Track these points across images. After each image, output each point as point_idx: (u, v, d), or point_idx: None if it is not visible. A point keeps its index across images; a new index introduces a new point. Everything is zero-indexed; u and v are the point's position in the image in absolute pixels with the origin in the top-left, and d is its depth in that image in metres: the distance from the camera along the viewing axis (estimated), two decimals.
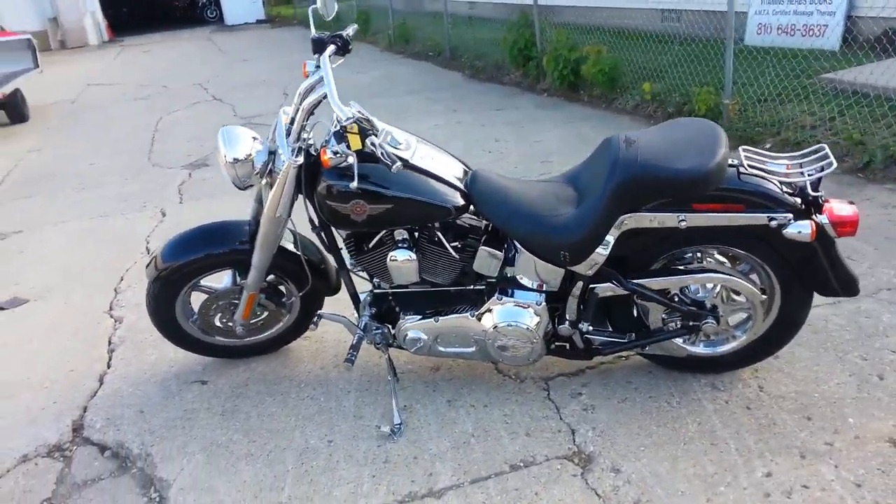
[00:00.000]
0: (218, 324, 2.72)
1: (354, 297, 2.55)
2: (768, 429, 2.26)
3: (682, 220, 2.12)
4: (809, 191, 2.12)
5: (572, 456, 2.23)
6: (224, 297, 2.66)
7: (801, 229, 2.07)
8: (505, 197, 2.29)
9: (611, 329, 2.47)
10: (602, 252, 2.20)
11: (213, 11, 21.76)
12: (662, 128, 2.27)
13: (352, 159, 2.11)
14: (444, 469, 2.21)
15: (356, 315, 2.54)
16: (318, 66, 2.37)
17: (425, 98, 7.86)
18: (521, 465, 2.21)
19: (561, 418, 2.40)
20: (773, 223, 2.09)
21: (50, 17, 18.12)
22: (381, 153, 2.07)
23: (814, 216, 2.11)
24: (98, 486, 2.31)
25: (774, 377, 2.50)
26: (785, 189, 2.14)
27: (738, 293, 2.32)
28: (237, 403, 2.63)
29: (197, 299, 2.71)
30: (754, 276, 2.36)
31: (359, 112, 2.17)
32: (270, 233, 2.42)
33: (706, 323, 2.33)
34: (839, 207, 2.14)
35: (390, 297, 2.50)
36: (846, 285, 2.27)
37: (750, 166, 2.13)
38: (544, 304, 2.33)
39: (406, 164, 2.24)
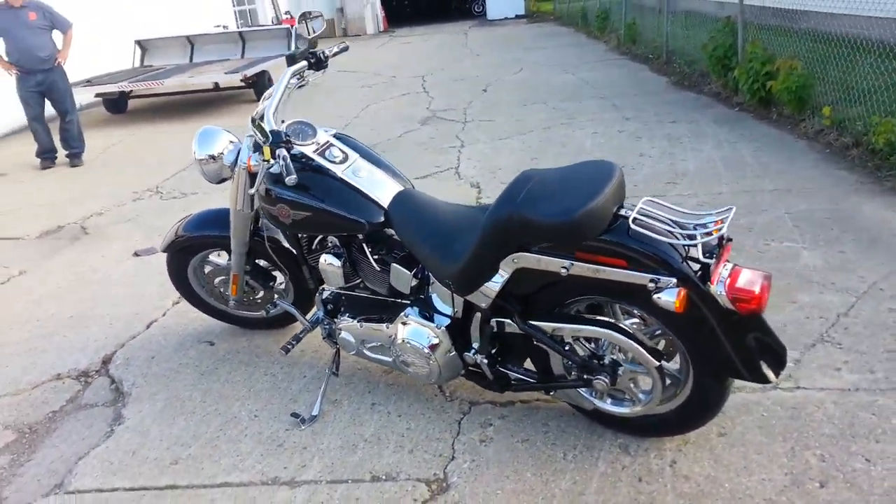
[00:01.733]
0: (221, 295, 3.12)
1: (313, 291, 2.77)
2: None
3: (565, 268, 2.01)
4: (700, 256, 1.89)
5: (431, 481, 2.24)
6: (220, 273, 3.04)
7: (668, 297, 1.85)
8: (418, 218, 2.34)
9: (529, 368, 2.40)
10: (492, 286, 2.16)
11: (479, 6, 22.91)
12: (570, 167, 2.15)
13: (264, 167, 2.32)
14: (316, 464, 2.36)
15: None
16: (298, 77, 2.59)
17: (608, 105, 7.65)
18: (382, 477, 2.28)
19: (453, 444, 2.40)
20: (652, 285, 1.89)
21: (338, 7, 20.53)
22: (283, 165, 2.26)
23: (708, 285, 1.88)
24: (92, 410, 2.84)
25: (697, 455, 2.23)
26: (682, 251, 1.92)
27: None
28: (218, 367, 3.02)
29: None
30: (661, 341, 2.14)
31: (295, 125, 2.39)
32: (237, 223, 2.73)
33: (598, 379, 2.17)
34: (746, 279, 1.87)
35: (341, 297, 2.68)
36: (756, 373, 1.97)
37: (641, 220, 1.94)
38: (444, 328, 2.34)
39: (333, 177, 2.40)
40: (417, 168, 5.73)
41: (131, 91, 9.46)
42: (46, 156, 7.15)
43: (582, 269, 1.99)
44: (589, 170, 2.07)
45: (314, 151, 2.47)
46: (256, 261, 2.98)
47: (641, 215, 1.95)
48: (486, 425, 2.48)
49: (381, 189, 2.44)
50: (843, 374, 2.55)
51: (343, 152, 2.51)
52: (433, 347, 2.35)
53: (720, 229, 1.88)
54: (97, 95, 9.65)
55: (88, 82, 9.31)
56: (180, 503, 2.25)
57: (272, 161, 2.31)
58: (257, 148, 2.47)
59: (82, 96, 9.43)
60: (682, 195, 4.55)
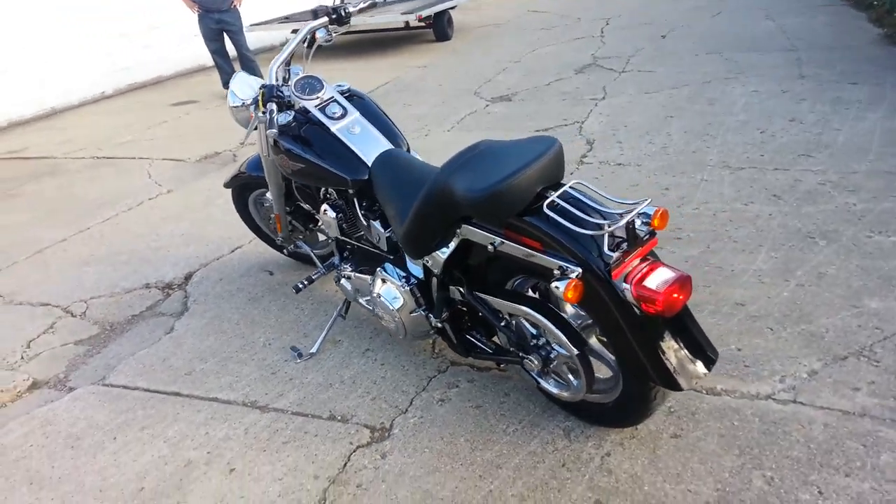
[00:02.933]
0: (274, 231, 3.42)
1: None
2: (552, 490, 2.02)
3: (493, 244, 2.00)
4: (605, 248, 1.78)
5: (376, 429, 2.37)
6: (270, 211, 3.34)
7: (561, 285, 1.77)
8: (392, 178, 2.41)
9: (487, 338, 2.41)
10: (441, 255, 2.20)
11: None
12: (519, 141, 2.08)
13: (259, 117, 2.49)
14: (292, 396, 2.60)
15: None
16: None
17: (792, 59, 6.81)
18: (338, 417, 2.46)
19: (412, 399, 2.50)
20: (559, 272, 1.83)
21: None
22: (270, 118, 2.42)
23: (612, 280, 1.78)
24: (160, 319, 3.32)
25: (636, 452, 2.12)
26: (598, 240, 1.81)
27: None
28: (265, 295, 3.35)
29: None
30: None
31: (284, 79, 2.55)
32: (267, 167, 2.97)
33: (528, 358, 2.13)
34: (656, 279, 1.74)
35: (346, 245, 2.84)
36: (665, 379, 1.83)
37: (557, 203, 1.85)
38: (409, 289, 2.41)
39: (327, 132, 2.53)
40: (544, 120, 5.62)
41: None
42: None
43: (509, 247, 1.96)
44: (528, 145, 2.00)
45: (315, 106, 2.60)
46: (300, 202, 3.22)
47: (561, 199, 1.86)
48: (451, 386, 2.53)
49: (371, 147, 2.52)
50: (858, 396, 2.24)
51: (343, 109, 2.61)
52: (399, 306, 2.43)
53: (630, 222, 1.75)
54: (293, 31, 10.46)
55: (286, 19, 10.13)
56: (176, 409, 2.61)
57: (262, 112, 2.47)
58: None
59: (277, 33, 10.29)
60: (807, 170, 4.04)
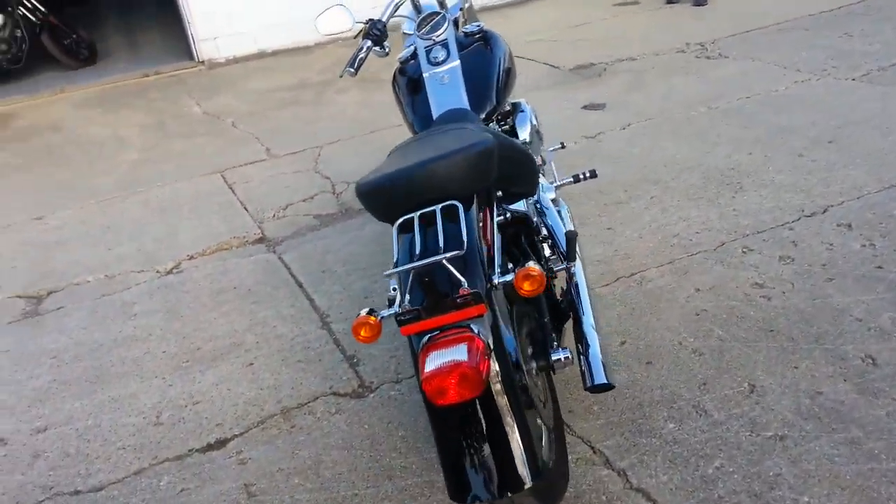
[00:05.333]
0: None
1: None
2: None
3: None
4: (403, 294, 1.53)
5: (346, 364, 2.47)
6: None
7: None
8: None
9: None
10: None
11: None
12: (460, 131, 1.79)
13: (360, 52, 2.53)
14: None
15: None
16: None
17: None
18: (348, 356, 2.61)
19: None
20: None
21: None
22: (355, 56, 2.46)
23: None
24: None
25: None
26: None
27: None
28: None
29: None
30: None
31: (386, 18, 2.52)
32: None
33: None
34: (437, 358, 1.40)
35: None
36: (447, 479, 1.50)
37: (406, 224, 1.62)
38: None
39: (419, 75, 2.44)
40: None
41: None
42: None
43: None
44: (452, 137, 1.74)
45: (424, 46, 2.53)
46: None
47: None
48: None
49: (446, 102, 2.36)
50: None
51: (447, 54, 2.47)
52: None
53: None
54: None
55: None
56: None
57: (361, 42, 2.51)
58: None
59: None
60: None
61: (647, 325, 2.54)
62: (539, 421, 1.79)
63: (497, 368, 1.46)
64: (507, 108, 2.63)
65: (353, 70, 2.44)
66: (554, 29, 7.29)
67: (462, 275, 1.43)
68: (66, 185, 4.78)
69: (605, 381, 1.80)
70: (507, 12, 8.63)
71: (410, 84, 2.49)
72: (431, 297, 1.43)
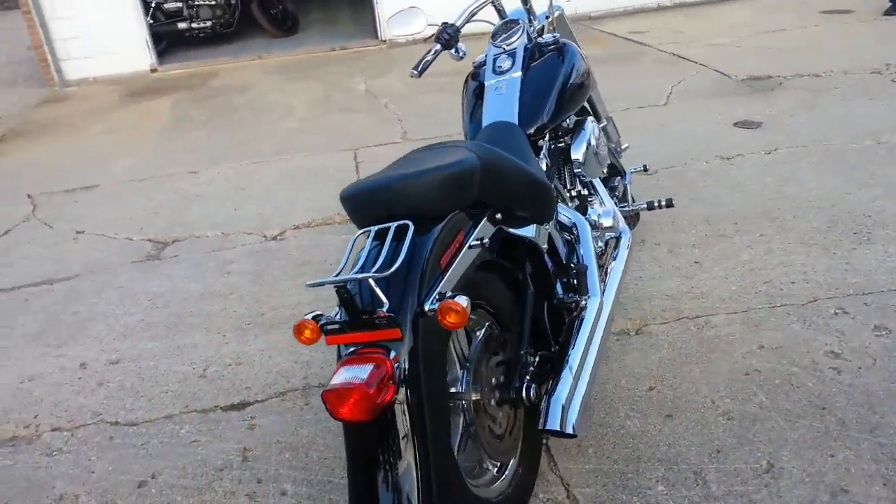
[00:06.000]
0: None
1: None
2: None
3: None
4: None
5: None
6: None
7: None
8: None
9: None
10: None
11: None
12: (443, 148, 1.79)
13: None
14: None
15: None
16: None
17: None
18: None
19: None
20: None
21: None
22: (423, 58, 2.48)
23: None
24: None
25: None
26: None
27: None
28: None
29: None
30: None
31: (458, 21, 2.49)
32: None
33: None
34: (344, 374, 1.40)
35: None
36: None
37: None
38: None
39: (482, 81, 2.44)
40: None
41: None
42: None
43: None
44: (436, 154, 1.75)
45: (494, 53, 2.51)
46: None
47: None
48: None
49: (496, 113, 2.33)
50: None
51: (511, 63, 2.43)
52: None
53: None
54: None
55: None
56: None
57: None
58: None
59: None
60: None
61: (685, 375, 2.34)
62: (484, 453, 1.75)
63: (406, 395, 1.44)
64: (570, 124, 2.52)
65: (416, 72, 2.46)
66: (743, 33, 6.75)
67: (387, 296, 1.43)
68: (229, 144, 5.30)
69: (557, 429, 1.71)
70: (701, 11, 8.14)
71: (476, 90, 2.48)
72: (356, 314, 1.44)
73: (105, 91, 7.51)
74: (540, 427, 1.73)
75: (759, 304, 2.66)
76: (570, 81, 2.40)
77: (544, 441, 2.08)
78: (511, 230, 1.88)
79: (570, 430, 1.72)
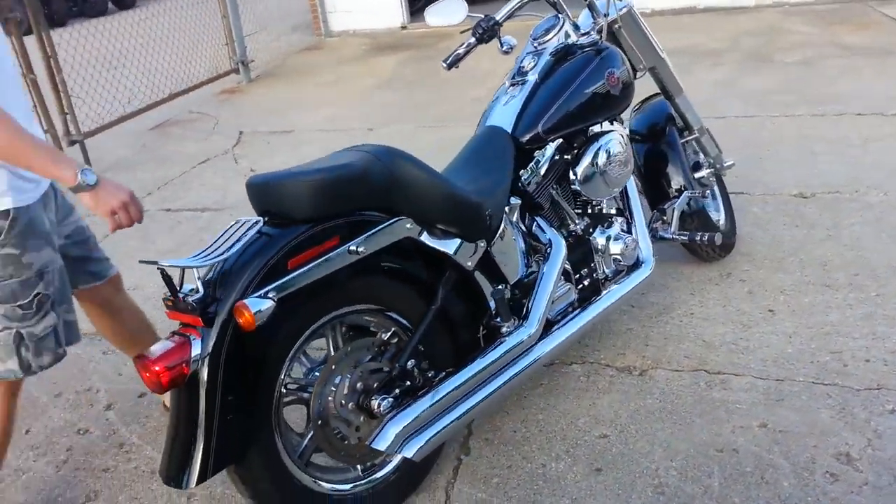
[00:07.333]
0: None
1: None
2: None
3: None
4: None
5: None
6: None
7: None
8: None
9: None
10: None
11: None
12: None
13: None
14: None
15: None
16: None
17: None
18: None
19: None
20: None
21: None
22: (455, 50, 2.43)
23: None
24: None
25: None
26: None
27: None
28: None
29: None
30: None
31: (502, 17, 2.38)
32: None
33: None
34: (162, 346, 1.53)
35: None
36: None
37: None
38: None
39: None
40: None
41: None
42: None
43: None
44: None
45: (525, 52, 2.40)
46: None
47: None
48: None
49: (499, 116, 2.24)
50: None
51: (534, 65, 2.30)
52: None
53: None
54: None
55: None
56: None
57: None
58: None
59: None
60: None
61: (649, 433, 2.07)
62: (335, 452, 1.77)
63: (203, 376, 1.52)
64: (584, 135, 2.30)
65: (445, 65, 2.40)
66: None
67: (208, 284, 1.53)
68: (415, 106, 5.57)
69: (378, 448, 1.68)
70: None
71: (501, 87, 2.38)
72: (174, 295, 1.55)
73: (356, 44, 8.25)
74: (367, 441, 1.72)
75: (803, 376, 2.22)
76: (590, 89, 2.19)
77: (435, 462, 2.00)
78: (427, 241, 1.83)
79: (398, 452, 1.68)
